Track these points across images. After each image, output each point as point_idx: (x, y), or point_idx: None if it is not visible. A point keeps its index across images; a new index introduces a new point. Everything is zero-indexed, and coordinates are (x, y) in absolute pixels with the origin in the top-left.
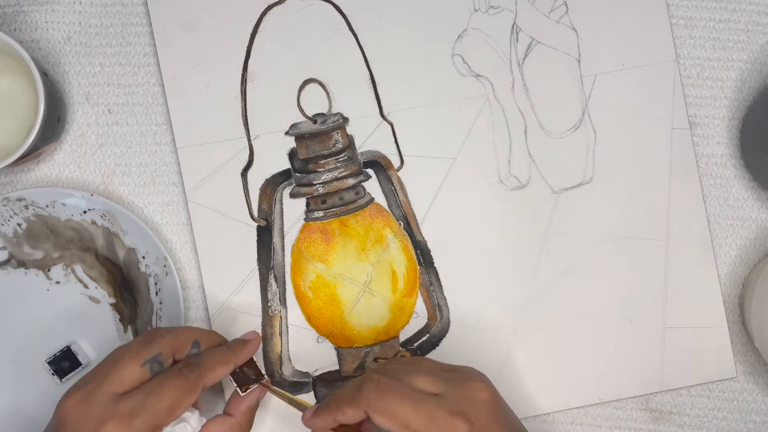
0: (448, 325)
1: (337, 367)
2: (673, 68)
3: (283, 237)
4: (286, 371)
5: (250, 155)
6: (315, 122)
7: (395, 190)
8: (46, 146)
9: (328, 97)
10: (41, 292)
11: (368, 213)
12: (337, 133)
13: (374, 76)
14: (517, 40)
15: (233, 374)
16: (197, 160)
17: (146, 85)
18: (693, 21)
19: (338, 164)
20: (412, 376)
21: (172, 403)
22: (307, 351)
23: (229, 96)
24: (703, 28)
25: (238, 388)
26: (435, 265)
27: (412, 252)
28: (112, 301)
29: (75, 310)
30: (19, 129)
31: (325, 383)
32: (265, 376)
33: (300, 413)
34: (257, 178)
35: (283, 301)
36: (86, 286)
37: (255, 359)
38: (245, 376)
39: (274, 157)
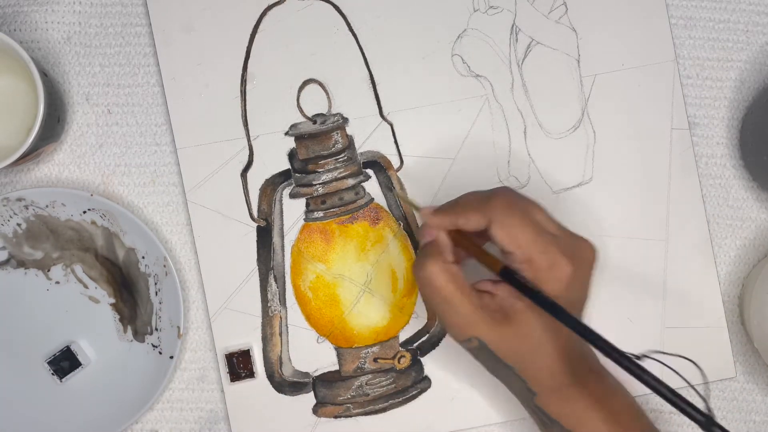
0: None
1: (337, 367)
2: (672, 68)
3: (282, 237)
4: (286, 371)
5: (249, 155)
6: (315, 122)
7: (395, 190)
8: (46, 146)
9: (328, 97)
10: (41, 292)
11: (368, 213)
12: (337, 133)
13: (374, 76)
14: (517, 40)
15: (229, 360)
16: (197, 161)
17: (146, 85)
18: (692, 21)
19: (338, 164)
20: (535, 210)
21: None
22: (307, 351)
23: (229, 96)
24: (702, 28)
25: (229, 375)
26: None
27: (412, 252)
28: (112, 301)
29: (75, 310)
30: (19, 129)
31: (325, 383)
32: (255, 375)
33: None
34: (257, 178)
35: (282, 301)
36: (86, 286)
37: (251, 356)
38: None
39: (274, 158)
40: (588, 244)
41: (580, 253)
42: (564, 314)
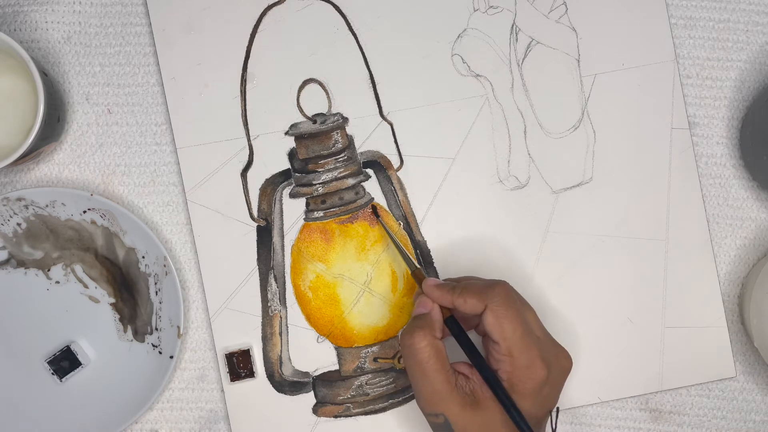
0: None
1: (336, 367)
2: (672, 68)
3: (282, 237)
4: (286, 371)
5: (249, 155)
6: (315, 122)
7: (395, 190)
8: (46, 146)
9: (328, 97)
10: (41, 291)
11: (368, 213)
12: (337, 133)
13: (374, 76)
14: (517, 40)
15: (229, 360)
16: (197, 160)
17: (146, 85)
18: (692, 21)
19: (338, 164)
20: (526, 309)
21: None
22: (307, 351)
23: (229, 96)
24: (702, 28)
25: (229, 374)
26: (434, 264)
27: (412, 252)
28: (112, 300)
29: (75, 309)
30: (19, 129)
31: (325, 383)
32: (255, 375)
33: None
34: (257, 178)
35: (282, 300)
36: (86, 286)
37: (251, 356)
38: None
39: (274, 157)
40: (566, 354)
41: (557, 361)
42: (503, 395)
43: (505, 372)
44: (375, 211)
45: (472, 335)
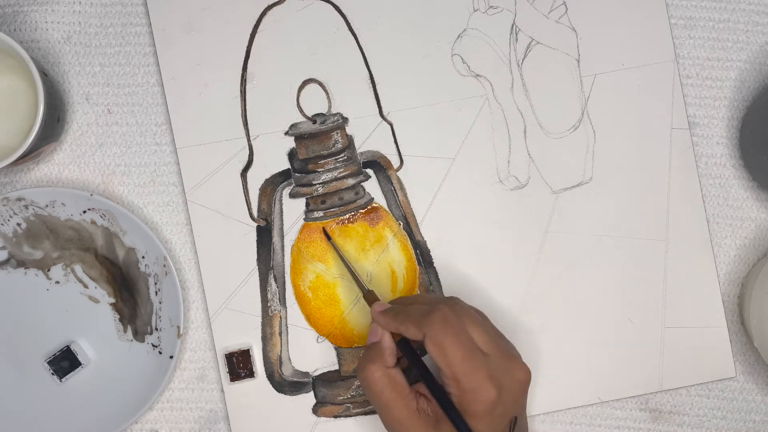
0: None
1: (336, 367)
2: (672, 68)
3: (282, 237)
4: (286, 371)
5: (249, 155)
6: (314, 122)
7: (395, 190)
8: (45, 146)
9: (328, 97)
10: (41, 291)
11: (368, 213)
12: (337, 133)
13: (374, 76)
14: (517, 40)
15: (229, 360)
16: (197, 160)
17: (146, 85)
18: (692, 21)
19: (338, 164)
20: (472, 326)
21: None
22: (307, 351)
23: (229, 96)
24: (702, 28)
25: (229, 374)
26: (434, 265)
27: (412, 252)
28: (112, 300)
29: (75, 310)
30: (19, 129)
31: (324, 383)
32: (255, 375)
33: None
34: (257, 178)
35: (282, 301)
36: (86, 286)
37: (251, 356)
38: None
39: (274, 157)
40: (520, 365)
41: (510, 375)
42: (454, 416)
43: (455, 396)
44: (326, 233)
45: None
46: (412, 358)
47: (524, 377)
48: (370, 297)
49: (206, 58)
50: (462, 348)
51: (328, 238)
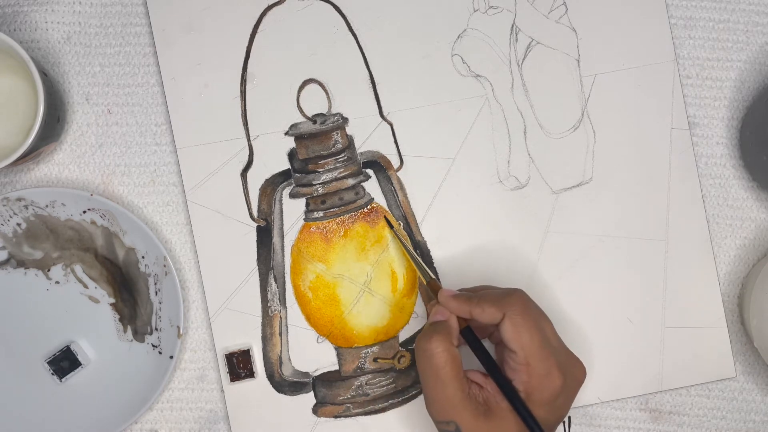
0: None
1: (336, 367)
2: (672, 68)
3: (282, 237)
4: (286, 371)
5: (249, 155)
6: (314, 122)
7: (395, 190)
8: (45, 146)
9: (328, 97)
10: (41, 292)
11: (368, 213)
12: (337, 133)
13: (374, 76)
14: (517, 40)
15: (229, 360)
16: (197, 161)
17: (146, 85)
18: (692, 21)
19: (338, 164)
20: (545, 321)
21: None
22: (307, 351)
23: (229, 96)
24: (702, 28)
25: (229, 374)
26: (434, 265)
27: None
28: (112, 300)
29: (75, 310)
30: (19, 129)
31: (324, 383)
32: (255, 375)
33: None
34: (257, 178)
35: (282, 301)
36: (86, 286)
37: (251, 356)
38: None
39: (274, 158)
40: (580, 364)
41: (573, 371)
42: (519, 405)
43: (521, 382)
44: (388, 222)
45: (486, 344)
46: (476, 345)
47: (582, 376)
48: (433, 285)
49: (206, 58)
50: (539, 335)
51: (391, 226)
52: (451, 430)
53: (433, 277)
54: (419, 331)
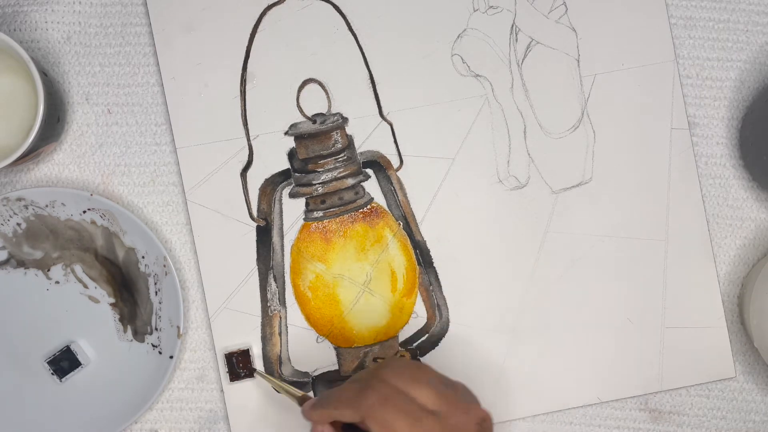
0: (448, 325)
1: (336, 367)
2: (672, 68)
3: (282, 237)
4: (286, 371)
5: (249, 155)
6: (314, 122)
7: (395, 190)
8: (45, 146)
9: (328, 97)
10: (41, 291)
11: (368, 213)
12: (337, 133)
13: (374, 76)
14: (517, 40)
15: (228, 360)
16: (197, 160)
17: (146, 85)
18: (692, 21)
19: (337, 164)
20: (414, 387)
21: None
22: (307, 351)
23: (229, 96)
24: (702, 28)
25: (228, 374)
26: (434, 265)
27: (412, 252)
28: (112, 300)
29: (75, 310)
30: (18, 129)
31: (324, 383)
32: (256, 369)
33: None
34: (257, 178)
35: (282, 300)
36: (86, 286)
37: (250, 356)
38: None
39: (274, 157)
40: (477, 411)
41: (468, 425)
42: None
43: None
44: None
45: None
46: None
47: (484, 423)
48: (302, 399)
49: (206, 58)
50: (408, 417)
51: (254, 370)
52: None
53: (300, 393)
54: (419, 331)
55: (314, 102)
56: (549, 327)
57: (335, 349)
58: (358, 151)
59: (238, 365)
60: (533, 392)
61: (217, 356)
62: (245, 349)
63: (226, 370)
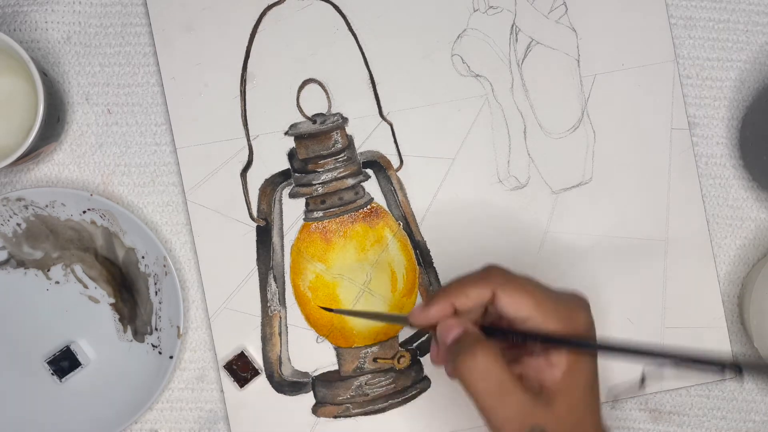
0: None
1: (336, 367)
2: (672, 68)
3: (282, 237)
4: (286, 371)
5: (249, 155)
6: (314, 122)
7: (395, 190)
8: (45, 146)
9: (328, 97)
10: (41, 292)
11: (368, 213)
12: (337, 133)
13: (374, 76)
14: (517, 40)
15: (230, 370)
16: (197, 160)
17: (146, 85)
18: (692, 21)
19: (337, 164)
20: (529, 279)
21: None
22: (307, 351)
23: (229, 96)
24: (702, 28)
25: (236, 383)
26: (434, 265)
27: (412, 252)
28: (112, 300)
29: (74, 310)
30: (18, 129)
31: (324, 383)
32: (260, 371)
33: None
34: (257, 178)
35: (282, 301)
36: (86, 286)
37: (247, 356)
38: (240, 371)
39: (274, 157)
40: (578, 296)
41: (577, 303)
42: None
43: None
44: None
45: None
46: (498, 329)
47: (585, 302)
48: (407, 316)
49: (206, 58)
50: (535, 290)
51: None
52: None
53: (404, 316)
54: (419, 331)
55: (314, 102)
56: None
57: (335, 349)
58: (358, 151)
59: (241, 370)
60: None
61: (219, 367)
62: (239, 352)
63: (232, 379)
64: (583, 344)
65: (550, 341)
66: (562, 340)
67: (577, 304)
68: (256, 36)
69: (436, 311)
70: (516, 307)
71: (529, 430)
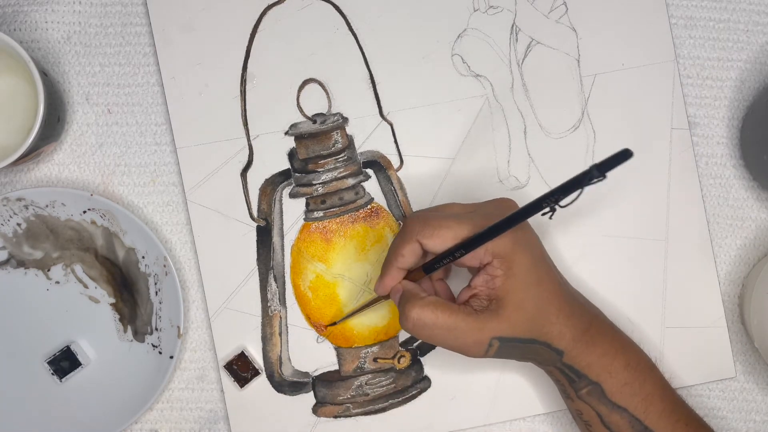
0: None
1: (336, 367)
2: (672, 68)
3: (282, 237)
4: (286, 371)
5: (249, 155)
6: (314, 122)
7: (395, 190)
8: (45, 146)
9: (328, 97)
10: (41, 291)
11: (368, 213)
12: (337, 133)
13: (374, 76)
14: (517, 40)
15: (230, 369)
16: (197, 160)
17: (146, 85)
18: (693, 21)
19: (338, 164)
20: (445, 208)
21: None
22: (307, 351)
23: (229, 96)
24: (702, 28)
25: (236, 383)
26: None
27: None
28: (112, 300)
29: (75, 310)
30: (19, 129)
31: (324, 383)
32: (260, 371)
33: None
34: (257, 178)
35: (282, 300)
36: (86, 286)
37: (248, 356)
38: (240, 371)
39: (274, 157)
40: (508, 200)
41: (508, 208)
42: (493, 229)
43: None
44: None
45: None
46: (437, 261)
47: (512, 204)
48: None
49: (206, 58)
50: (451, 219)
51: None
52: (496, 346)
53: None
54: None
55: (314, 102)
56: None
57: (335, 349)
58: (358, 151)
59: (241, 370)
60: (533, 392)
61: (219, 367)
62: (239, 352)
63: (232, 380)
64: (486, 233)
65: (466, 246)
66: (476, 237)
67: (495, 205)
68: (256, 36)
69: (389, 280)
70: (439, 244)
71: (486, 346)
